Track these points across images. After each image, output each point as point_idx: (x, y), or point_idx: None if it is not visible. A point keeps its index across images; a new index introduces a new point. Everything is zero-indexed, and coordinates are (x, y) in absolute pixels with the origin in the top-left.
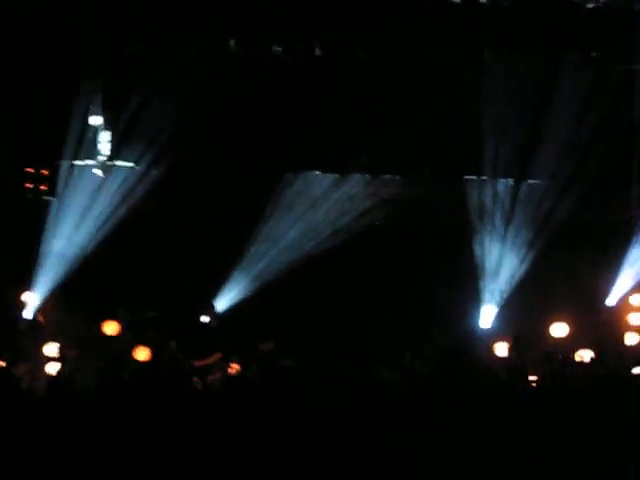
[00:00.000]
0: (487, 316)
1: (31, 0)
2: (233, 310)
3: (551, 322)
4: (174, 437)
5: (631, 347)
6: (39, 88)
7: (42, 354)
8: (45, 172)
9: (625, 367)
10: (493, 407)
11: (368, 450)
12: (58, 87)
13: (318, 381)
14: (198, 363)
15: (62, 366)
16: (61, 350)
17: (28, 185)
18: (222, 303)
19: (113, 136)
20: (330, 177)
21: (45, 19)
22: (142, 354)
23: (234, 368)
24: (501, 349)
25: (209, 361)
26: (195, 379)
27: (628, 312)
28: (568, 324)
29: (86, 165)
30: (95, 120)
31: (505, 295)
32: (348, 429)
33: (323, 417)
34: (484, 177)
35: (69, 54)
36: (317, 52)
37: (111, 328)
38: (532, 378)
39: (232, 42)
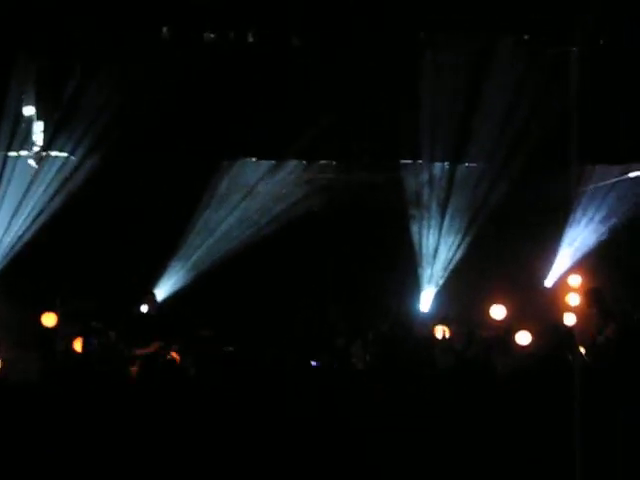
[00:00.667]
0: (426, 300)
1: None
2: (172, 299)
3: (490, 304)
4: (110, 425)
5: (569, 327)
6: None
7: None
8: None
9: (563, 348)
10: (434, 392)
11: (300, 438)
12: None
13: (255, 369)
14: (139, 351)
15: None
16: None
17: None
18: (161, 292)
19: (47, 126)
20: (266, 164)
21: None
22: (81, 345)
23: (173, 356)
24: (440, 332)
25: (149, 350)
26: (133, 367)
27: (566, 293)
28: (506, 306)
29: (20, 156)
30: (28, 110)
31: (444, 278)
32: (285, 418)
33: (260, 406)
34: (420, 161)
35: (2, 43)
36: (250, 39)
37: (49, 319)
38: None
39: (165, 29)
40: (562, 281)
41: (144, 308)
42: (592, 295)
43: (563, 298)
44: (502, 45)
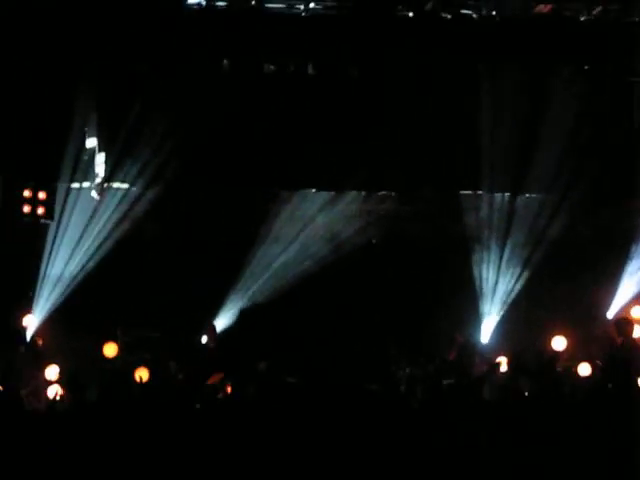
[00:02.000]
0: (486, 331)
1: (25, 22)
2: (232, 330)
3: (551, 336)
4: (175, 456)
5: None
6: (35, 110)
7: (43, 377)
8: (43, 195)
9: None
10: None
11: (364, 466)
12: (54, 109)
13: (316, 398)
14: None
15: (63, 388)
16: (62, 372)
17: (26, 208)
18: (221, 323)
19: (108, 157)
20: (325, 194)
21: (40, 39)
22: (142, 374)
23: (229, 389)
24: (502, 365)
25: (214, 380)
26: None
27: None
28: (567, 337)
29: (82, 187)
30: (91, 142)
31: (504, 310)
32: (346, 444)
33: (322, 432)
34: (480, 192)
35: (64, 76)
36: (310, 70)
37: (110, 349)
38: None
39: (225, 62)
40: (624, 312)
41: (204, 339)
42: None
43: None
44: (563, 75)
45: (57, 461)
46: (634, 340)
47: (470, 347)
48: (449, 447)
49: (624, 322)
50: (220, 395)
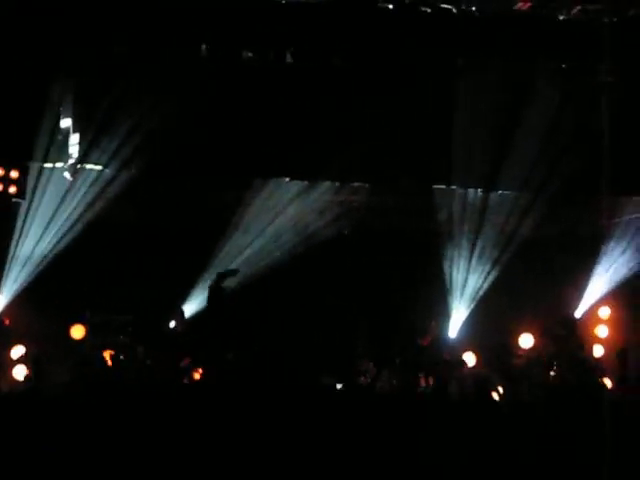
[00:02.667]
0: (455, 325)
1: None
2: (200, 316)
3: (519, 333)
4: (140, 437)
5: (598, 359)
6: (10, 89)
7: (9, 357)
8: (15, 174)
9: (591, 379)
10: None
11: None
12: (29, 89)
13: (277, 389)
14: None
15: (29, 369)
16: (28, 353)
17: None
18: (189, 309)
19: (82, 138)
20: (299, 184)
21: (17, 18)
22: (108, 358)
23: (199, 373)
24: (469, 359)
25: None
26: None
27: (596, 324)
28: (534, 335)
29: (55, 167)
30: (65, 122)
31: (473, 304)
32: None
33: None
34: (453, 187)
35: (41, 55)
36: (288, 58)
37: (78, 332)
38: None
39: (204, 47)
40: (592, 312)
41: (172, 324)
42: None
43: (592, 329)
44: (539, 73)
45: (19, 442)
46: (577, 337)
47: (439, 341)
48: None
49: (568, 320)
50: (187, 380)
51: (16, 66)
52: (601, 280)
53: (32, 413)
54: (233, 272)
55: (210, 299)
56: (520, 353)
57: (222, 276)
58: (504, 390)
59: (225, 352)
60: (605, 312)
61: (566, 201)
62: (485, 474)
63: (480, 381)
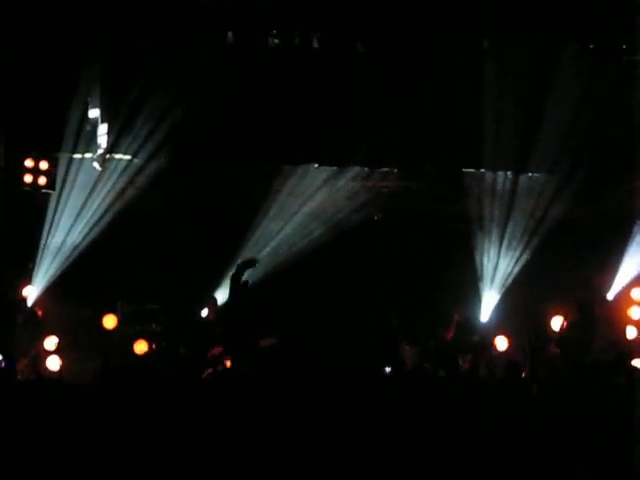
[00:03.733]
0: (487, 310)
1: None
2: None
3: (551, 316)
4: (170, 429)
5: (631, 340)
6: (38, 80)
7: (41, 348)
8: (45, 165)
9: (624, 360)
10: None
11: (365, 446)
12: (56, 80)
13: (317, 375)
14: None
15: (61, 359)
16: (60, 343)
17: (27, 178)
18: (221, 297)
19: (111, 129)
20: (328, 170)
21: (46, 10)
22: (141, 347)
23: (229, 362)
24: (501, 343)
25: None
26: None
27: (629, 305)
28: (566, 318)
29: (84, 158)
30: (94, 113)
31: (504, 289)
32: (346, 425)
33: (322, 410)
34: (482, 170)
35: (67, 45)
36: (314, 44)
37: (110, 321)
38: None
39: (230, 34)
40: (625, 294)
41: (204, 313)
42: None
43: (625, 311)
44: (567, 53)
45: (51, 432)
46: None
47: (469, 326)
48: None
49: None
50: (219, 368)
51: (43, 57)
52: (634, 261)
53: (62, 401)
54: (252, 262)
55: (231, 290)
56: (552, 336)
57: (242, 266)
58: (535, 372)
59: (257, 340)
60: (638, 293)
61: (597, 183)
62: (520, 457)
63: (511, 364)
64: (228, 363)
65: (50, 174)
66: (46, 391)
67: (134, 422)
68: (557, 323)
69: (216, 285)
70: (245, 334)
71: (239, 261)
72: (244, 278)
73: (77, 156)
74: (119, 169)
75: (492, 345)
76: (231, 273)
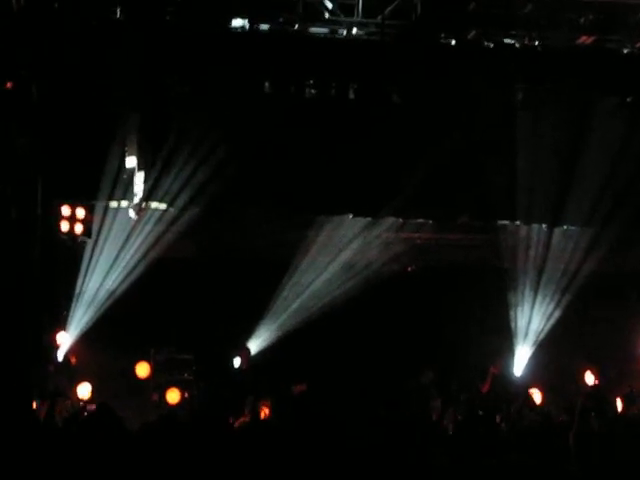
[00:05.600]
0: (521, 362)
1: (71, 37)
2: (266, 353)
3: (584, 370)
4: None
5: None
6: (75, 127)
7: (75, 395)
8: (81, 213)
9: None
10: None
11: None
12: (95, 127)
13: (353, 425)
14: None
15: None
16: (93, 391)
17: (64, 226)
18: (255, 346)
19: (147, 177)
20: (362, 220)
21: (86, 58)
22: (173, 396)
23: (264, 411)
24: (536, 396)
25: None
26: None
27: None
28: (598, 372)
29: (121, 206)
30: (131, 161)
31: (537, 343)
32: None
33: (355, 461)
34: (517, 222)
35: (105, 94)
36: (350, 95)
37: (143, 369)
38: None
39: (267, 84)
40: None
41: (237, 362)
42: None
43: None
44: (602, 107)
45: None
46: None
47: (504, 379)
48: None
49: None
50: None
51: (82, 104)
52: None
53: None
54: None
55: None
56: (586, 390)
57: None
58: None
59: (291, 390)
60: None
61: (631, 236)
62: None
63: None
64: (265, 411)
65: (86, 222)
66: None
67: (165, 473)
68: (591, 378)
69: (249, 335)
70: (280, 382)
71: None
72: None
73: (113, 204)
74: (154, 218)
75: (527, 398)
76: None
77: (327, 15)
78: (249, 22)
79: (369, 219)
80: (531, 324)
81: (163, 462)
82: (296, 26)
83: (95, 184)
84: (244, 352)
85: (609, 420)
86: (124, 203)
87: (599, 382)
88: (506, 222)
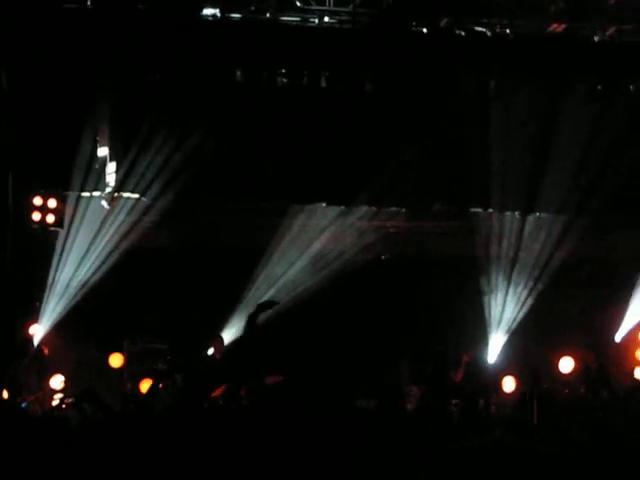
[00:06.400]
0: (494, 350)
1: (42, 29)
2: (239, 342)
3: (558, 357)
4: (170, 468)
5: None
6: (47, 118)
7: (48, 386)
8: (53, 203)
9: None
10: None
11: None
12: (66, 117)
13: (323, 417)
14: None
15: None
16: (66, 382)
17: (36, 216)
18: (228, 335)
19: (119, 167)
20: (335, 209)
21: (55, 47)
22: (147, 386)
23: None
24: (508, 383)
25: (217, 393)
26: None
27: (637, 347)
28: (575, 359)
29: (93, 196)
30: (102, 151)
31: (511, 330)
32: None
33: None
34: (490, 210)
35: (76, 84)
36: (322, 83)
37: (116, 360)
38: None
39: (239, 72)
40: (632, 336)
41: (211, 351)
42: None
43: (633, 353)
44: (574, 94)
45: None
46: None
47: (477, 367)
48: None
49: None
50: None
51: (51, 95)
52: None
53: (68, 439)
54: (273, 303)
55: (246, 328)
56: (560, 377)
57: (262, 307)
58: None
59: (263, 379)
60: None
61: (604, 223)
62: None
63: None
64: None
65: (58, 212)
66: (53, 428)
67: (137, 460)
68: (566, 364)
69: (223, 324)
70: (253, 371)
71: (260, 301)
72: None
73: (85, 194)
74: (127, 207)
75: (500, 386)
76: (250, 312)
77: (299, 3)
78: (220, 10)
79: (342, 207)
80: (505, 312)
81: (139, 450)
82: (268, 14)
83: (67, 174)
84: (218, 341)
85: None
86: (96, 193)
87: (575, 368)
88: (479, 210)
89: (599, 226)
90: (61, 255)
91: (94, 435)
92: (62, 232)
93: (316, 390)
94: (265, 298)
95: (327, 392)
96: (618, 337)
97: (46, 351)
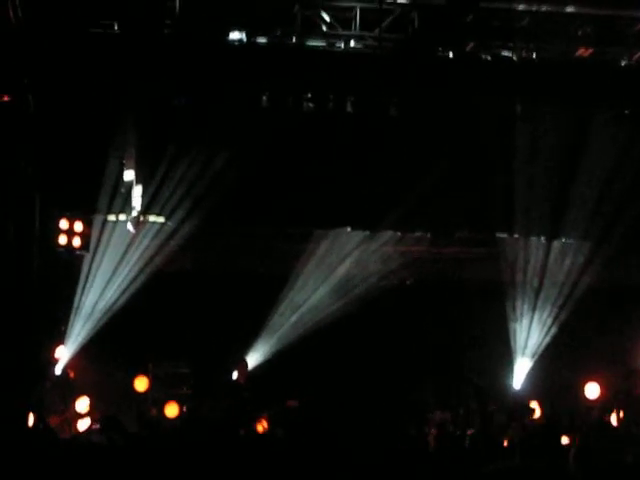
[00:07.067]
0: (519, 376)
1: (68, 53)
2: (264, 367)
3: (583, 383)
4: None
5: None
6: (74, 141)
7: (73, 409)
8: (79, 226)
9: None
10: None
11: None
12: (93, 140)
13: (345, 442)
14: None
15: (93, 422)
16: (91, 405)
17: (62, 239)
18: (253, 359)
19: (145, 191)
20: (360, 234)
21: (82, 71)
22: (172, 410)
23: (262, 424)
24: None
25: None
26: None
27: None
28: (600, 385)
29: (119, 220)
30: (129, 175)
31: (537, 355)
32: None
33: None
34: (516, 235)
35: (103, 108)
36: (348, 108)
37: (141, 384)
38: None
39: (264, 97)
40: None
41: (235, 375)
42: None
43: None
44: (600, 119)
45: None
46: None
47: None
48: None
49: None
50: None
51: (78, 118)
52: None
53: (92, 462)
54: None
55: None
56: (586, 403)
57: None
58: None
59: (289, 404)
60: None
61: (630, 249)
62: None
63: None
64: (260, 427)
65: (84, 235)
66: (76, 452)
67: None
68: (592, 390)
69: (247, 348)
70: (276, 397)
71: None
72: None
73: (111, 218)
74: (153, 231)
75: (531, 410)
76: None
77: (325, 28)
78: (247, 35)
79: (367, 232)
80: (530, 337)
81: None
82: (294, 39)
83: (93, 197)
84: (241, 366)
85: None
86: (122, 216)
87: (602, 395)
88: (504, 235)
89: (625, 252)
90: (87, 278)
91: (119, 461)
92: (88, 255)
93: (339, 414)
94: (290, 321)
95: (350, 416)
96: None
97: (72, 374)
